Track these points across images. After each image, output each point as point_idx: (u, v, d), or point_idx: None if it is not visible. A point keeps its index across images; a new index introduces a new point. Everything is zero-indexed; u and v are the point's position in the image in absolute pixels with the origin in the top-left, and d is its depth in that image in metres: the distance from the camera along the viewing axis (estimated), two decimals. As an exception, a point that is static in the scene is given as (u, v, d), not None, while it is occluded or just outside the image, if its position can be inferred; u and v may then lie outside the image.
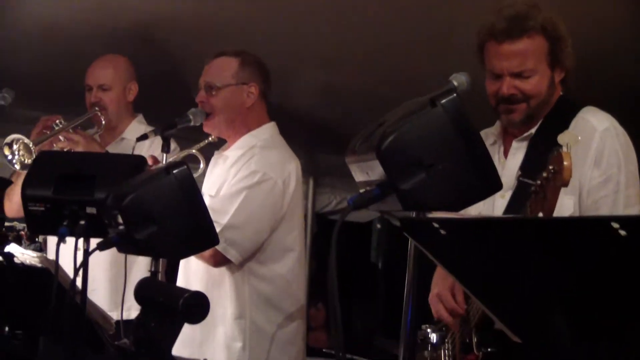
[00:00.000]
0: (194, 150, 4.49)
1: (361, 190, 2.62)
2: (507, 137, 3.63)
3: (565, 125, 3.45)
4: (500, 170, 3.36)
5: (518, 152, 3.57)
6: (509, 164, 3.56)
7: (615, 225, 1.85)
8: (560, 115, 3.56)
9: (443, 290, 3.46)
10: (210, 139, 4.50)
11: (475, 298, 2.50)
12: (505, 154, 3.62)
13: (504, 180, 3.28)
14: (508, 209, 3.44)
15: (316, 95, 6.27)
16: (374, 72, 5.76)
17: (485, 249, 2.28)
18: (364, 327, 8.14)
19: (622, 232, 1.86)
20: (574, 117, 3.51)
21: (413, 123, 2.53)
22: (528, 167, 3.46)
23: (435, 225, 2.23)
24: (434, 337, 4.35)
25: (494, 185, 2.57)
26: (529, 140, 3.56)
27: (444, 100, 2.53)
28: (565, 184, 2.80)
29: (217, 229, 3.52)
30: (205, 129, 4.50)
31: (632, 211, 3.37)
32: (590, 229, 2.01)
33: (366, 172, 2.72)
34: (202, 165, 4.49)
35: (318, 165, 7.93)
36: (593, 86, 4.46)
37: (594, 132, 3.44)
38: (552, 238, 2.14)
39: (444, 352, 3.59)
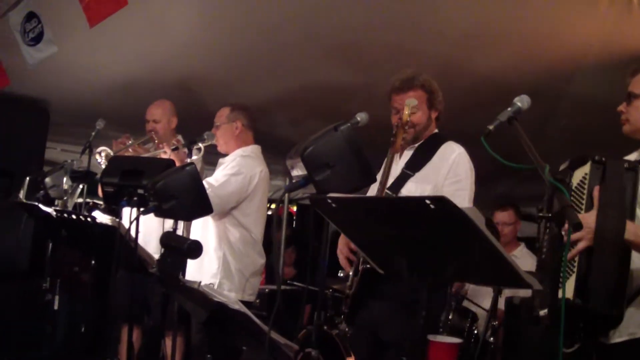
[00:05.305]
0: (201, 145, 4.41)
1: (293, 181, 2.63)
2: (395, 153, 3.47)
3: (436, 147, 3.44)
4: (395, 165, 3.44)
5: (405, 156, 3.50)
6: (400, 163, 3.47)
7: (428, 201, 1.86)
8: (433, 141, 3.49)
9: (341, 244, 3.41)
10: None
11: (355, 245, 2.47)
12: (400, 156, 3.52)
13: (397, 170, 3.42)
14: (391, 188, 3.39)
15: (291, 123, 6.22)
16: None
17: (358, 215, 2.29)
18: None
19: (432, 206, 1.87)
20: (442, 143, 3.46)
21: (323, 140, 2.53)
22: (410, 164, 3.43)
23: (329, 201, 2.23)
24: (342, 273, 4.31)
25: (369, 180, 2.58)
26: (413, 150, 3.49)
27: (342, 127, 2.54)
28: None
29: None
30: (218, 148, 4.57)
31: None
32: (416, 204, 2.02)
33: (297, 169, 2.73)
34: (202, 153, 4.50)
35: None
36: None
37: (452, 152, 3.39)
38: (396, 209, 2.15)
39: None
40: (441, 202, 1.87)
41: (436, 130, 3.57)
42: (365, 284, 3.29)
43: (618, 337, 2.58)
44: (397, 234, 2.17)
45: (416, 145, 3.50)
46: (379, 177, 3.36)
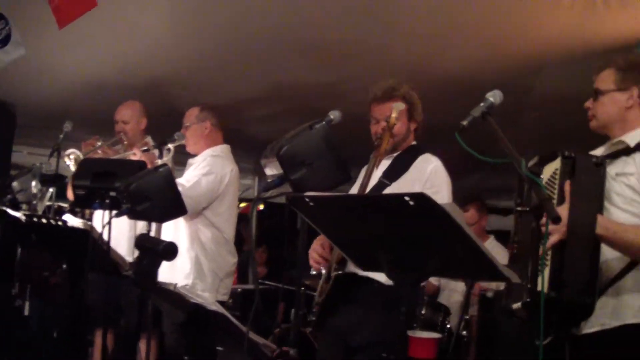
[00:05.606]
0: (171, 146, 4.41)
1: (268, 180, 2.61)
2: (378, 157, 3.44)
3: (414, 158, 3.45)
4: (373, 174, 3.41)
5: (383, 165, 3.49)
6: (378, 172, 3.46)
7: (407, 198, 1.87)
8: (411, 152, 3.51)
9: (316, 244, 3.37)
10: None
11: (332, 243, 2.47)
12: (377, 165, 3.47)
13: (374, 178, 3.39)
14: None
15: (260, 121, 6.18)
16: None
17: (337, 214, 2.29)
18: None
19: (411, 203, 1.88)
20: (420, 155, 3.47)
21: (299, 138, 2.52)
22: (387, 174, 3.44)
23: (306, 200, 2.22)
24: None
25: (346, 177, 2.56)
26: (391, 160, 3.49)
27: (317, 126, 2.53)
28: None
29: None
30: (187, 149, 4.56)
31: None
32: (396, 200, 2.01)
33: (272, 169, 2.71)
34: (171, 154, 4.46)
35: (261, 167, 7.79)
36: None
37: (430, 164, 3.40)
38: (375, 207, 2.15)
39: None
40: (420, 199, 1.88)
41: (414, 142, 3.58)
42: (338, 289, 3.26)
43: (589, 327, 2.61)
44: (377, 231, 2.17)
45: (394, 155, 3.51)
46: (358, 180, 3.39)
